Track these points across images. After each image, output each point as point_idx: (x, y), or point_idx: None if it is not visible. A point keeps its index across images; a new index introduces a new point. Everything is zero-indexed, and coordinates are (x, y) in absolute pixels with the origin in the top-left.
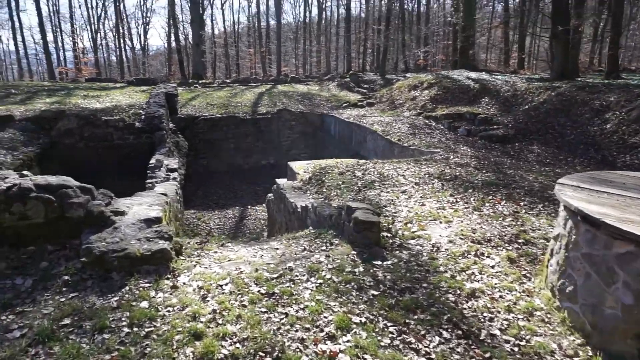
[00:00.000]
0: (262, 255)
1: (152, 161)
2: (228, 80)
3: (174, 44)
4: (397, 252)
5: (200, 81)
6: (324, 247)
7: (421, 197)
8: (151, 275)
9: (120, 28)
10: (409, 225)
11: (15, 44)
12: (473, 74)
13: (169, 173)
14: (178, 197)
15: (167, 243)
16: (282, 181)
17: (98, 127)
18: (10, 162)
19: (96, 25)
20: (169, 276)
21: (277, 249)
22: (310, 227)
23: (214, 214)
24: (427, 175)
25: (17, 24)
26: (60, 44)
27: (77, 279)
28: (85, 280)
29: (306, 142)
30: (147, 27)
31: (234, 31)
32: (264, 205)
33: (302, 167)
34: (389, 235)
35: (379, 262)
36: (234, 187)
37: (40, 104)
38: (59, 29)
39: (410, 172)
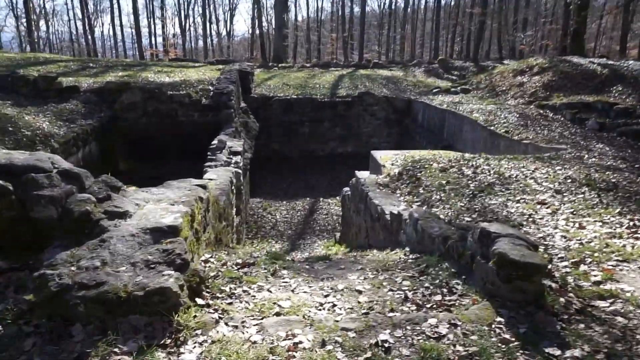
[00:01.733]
0: (335, 306)
1: (214, 142)
2: (308, 64)
3: (257, 30)
4: (582, 325)
5: (279, 64)
6: (439, 297)
7: (572, 212)
8: (136, 338)
9: (207, 13)
10: (582, 267)
11: (113, 28)
12: (595, 59)
13: (231, 156)
14: (233, 187)
15: (175, 276)
16: (363, 174)
17: (162, 102)
18: (62, 135)
19: (185, 11)
20: (168, 342)
21: (360, 291)
22: (407, 249)
23: (281, 204)
24: (568, 180)
25: (116, 10)
26: (152, 29)
27: (11, 334)
28: (23, 338)
29: (389, 130)
30: (232, 12)
31: (316, 17)
32: (337, 198)
33: (388, 158)
34: (553, 284)
35: (557, 352)
36: (306, 176)
37: (111, 77)
38: (152, 15)
39: (542, 173)
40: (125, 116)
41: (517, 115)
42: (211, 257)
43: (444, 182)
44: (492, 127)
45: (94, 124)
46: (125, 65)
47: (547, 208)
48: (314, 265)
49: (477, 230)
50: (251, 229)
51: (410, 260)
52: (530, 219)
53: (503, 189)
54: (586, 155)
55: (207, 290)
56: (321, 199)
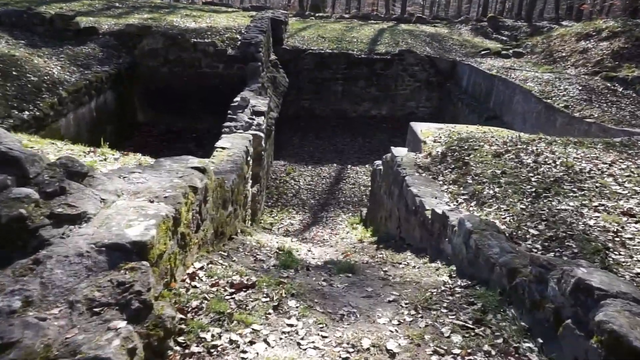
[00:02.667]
0: None
1: (237, 99)
2: (347, 15)
3: None
4: None
5: (317, 14)
6: None
7: None
8: None
9: None
10: None
11: None
12: None
13: (253, 117)
14: (249, 158)
15: (123, 334)
16: (400, 151)
17: (185, 50)
18: (73, 83)
19: None
20: None
21: (394, 354)
22: (453, 267)
23: (306, 169)
24: None
25: None
26: None
27: None
28: None
29: (429, 93)
30: None
31: None
32: (367, 166)
33: (430, 134)
34: None
35: None
36: (336, 139)
37: (135, 19)
38: None
39: (622, 169)
40: (145, 63)
41: (580, 88)
42: (202, 267)
43: (498, 171)
44: (548, 100)
45: (111, 71)
46: (153, 7)
47: (636, 223)
48: (333, 281)
49: (568, 279)
50: (272, 195)
51: (458, 291)
52: (617, 239)
53: (574, 189)
54: None
55: (180, 340)
56: (349, 166)
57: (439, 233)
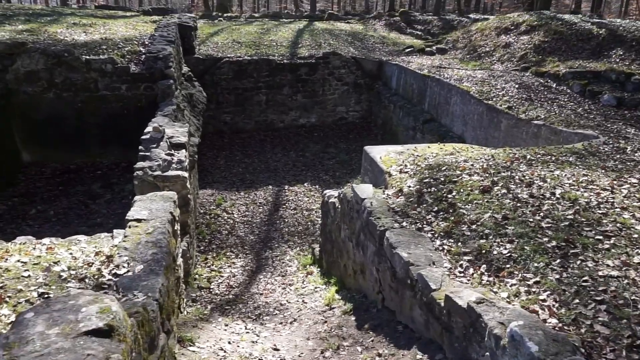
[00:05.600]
0: None
1: (148, 129)
2: (256, 14)
3: None
4: None
5: (225, 14)
6: None
7: None
8: None
9: None
10: None
11: None
12: (587, 18)
13: (172, 152)
14: (175, 226)
15: None
16: (365, 191)
17: (76, 71)
18: None
19: None
20: None
21: None
22: None
23: (238, 196)
24: None
25: None
26: None
27: None
28: None
29: (358, 96)
30: None
31: None
32: (305, 185)
33: (393, 161)
34: None
35: None
36: (265, 154)
37: (5, 32)
38: None
39: (625, 195)
40: (23, 89)
41: (517, 86)
42: None
43: (497, 216)
44: (489, 101)
45: None
46: (31, 15)
47: None
48: None
49: None
50: (203, 236)
51: None
52: None
53: (599, 236)
54: (629, 148)
55: None
56: (286, 187)
57: (464, 334)
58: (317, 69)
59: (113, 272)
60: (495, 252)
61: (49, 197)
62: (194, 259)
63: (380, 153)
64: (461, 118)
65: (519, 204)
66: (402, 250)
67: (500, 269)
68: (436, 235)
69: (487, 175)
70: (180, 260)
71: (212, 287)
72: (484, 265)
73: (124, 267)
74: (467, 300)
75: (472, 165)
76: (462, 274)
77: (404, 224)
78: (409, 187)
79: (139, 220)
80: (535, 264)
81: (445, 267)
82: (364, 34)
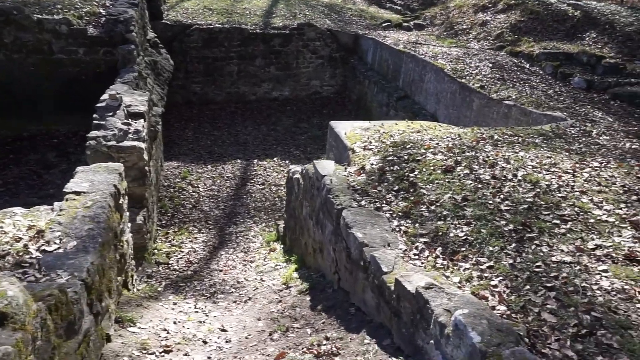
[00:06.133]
0: None
1: (104, 97)
2: None
3: None
4: None
5: None
6: None
7: None
8: None
9: None
10: None
11: None
12: None
13: (129, 121)
14: (121, 200)
15: None
16: (326, 167)
17: (26, 30)
18: None
19: None
20: None
21: None
22: None
23: (205, 170)
24: (632, 196)
25: None
26: None
27: None
28: None
29: (333, 70)
30: None
31: None
32: (275, 159)
33: (357, 137)
34: None
35: None
36: (236, 128)
37: None
38: None
39: (586, 179)
40: None
41: (491, 65)
42: None
43: (457, 197)
44: (463, 80)
45: None
46: None
47: None
48: None
49: None
50: (166, 210)
51: None
52: None
53: (556, 221)
54: (594, 131)
55: None
56: (255, 161)
57: (412, 320)
58: (292, 40)
59: (42, 248)
60: (451, 235)
61: None
62: (152, 233)
63: (346, 129)
64: (435, 96)
65: (480, 185)
66: (358, 230)
67: (455, 252)
68: (394, 215)
69: (451, 154)
70: (128, 236)
71: (170, 262)
72: (440, 248)
73: (54, 243)
74: (416, 285)
75: (437, 144)
76: (416, 257)
77: (363, 202)
78: (372, 164)
79: (77, 193)
80: (491, 248)
81: (400, 249)
82: (342, 6)
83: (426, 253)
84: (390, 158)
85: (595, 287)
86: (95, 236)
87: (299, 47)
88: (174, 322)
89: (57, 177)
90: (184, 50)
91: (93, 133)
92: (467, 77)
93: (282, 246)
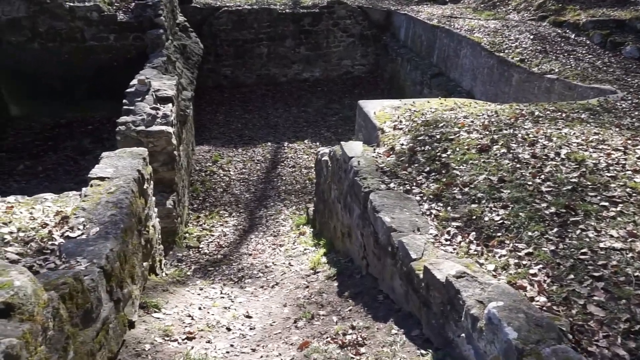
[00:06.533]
0: None
1: (134, 82)
2: None
3: None
4: None
5: None
6: None
7: None
8: None
9: None
10: None
11: None
12: None
13: (157, 105)
14: (145, 185)
15: None
16: (353, 149)
17: (59, 19)
18: None
19: None
20: None
21: None
22: None
23: (236, 153)
24: None
25: None
26: None
27: None
28: None
29: (364, 49)
30: None
31: None
32: (305, 142)
33: (387, 117)
34: None
35: None
36: (266, 109)
37: None
38: None
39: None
40: (6, 40)
41: (532, 37)
42: None
43: (493, 178)
44: (501, 53)
45: None
46: None
47: None
48: None
49: None
50: (197, 194)
51: None
52: None
53: (604, 202)
54: None
55: None
56: (286, 143)
57: (442, 310)
58: (322, 19)
59: (65, 234)
60: (486, 219)
61: (38, 153)
62: (183, 217)
63: (375, 108)
64: (471, 72)
65: (518, 165)
66: (386, 214)
67: (491, 238)
68: (425, 198)
69: (487, 132)
70: (155, 221)
71: (201, 246)
72: (473, 233)
73: (78, 229)
74: (446, 273)
75: (472, 121)
76: (448, 242)
77: (392, 185)
78: (402, 145)
79: (102, 179)
80: (530, 233)
81: (431, 233)
82: None
83: (458, 238)
84: (421, 138)
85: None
86: (117, 222)
87: (329, 26)
88: (199, 308)
89: (92, 163)
90: (213, 34)
91: (123, 118)
92: (506, 51)
93: (311, 230)
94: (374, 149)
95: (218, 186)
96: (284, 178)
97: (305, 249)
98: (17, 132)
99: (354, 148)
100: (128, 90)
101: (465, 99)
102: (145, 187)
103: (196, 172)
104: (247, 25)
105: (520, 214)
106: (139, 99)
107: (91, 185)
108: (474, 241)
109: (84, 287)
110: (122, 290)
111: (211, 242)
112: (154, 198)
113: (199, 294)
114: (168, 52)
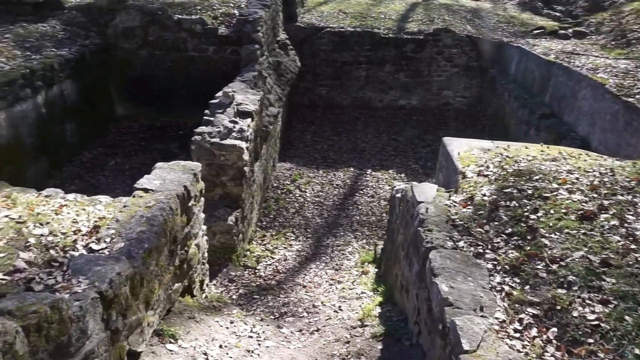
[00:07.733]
0: None
1: (219, 94)
2: None
3: None
4: None
5: None
6: None
7: None
8: None
9: None
10: None
11: None
12: None
13: (236, 119)
14: (191, 202)
15: None
16: (425, 192)
17: (167, 29)
18: (5, 72)
19: None
20: None
21: None
22: None
23: (316, 174)
24: None
25: None
26: None
27: None
28: None
29: (468, 81)
30: None
31: None
32: (390, 172)
33: (473, 159)
34: None
35: None
36: (356, 134)
37: None
38: None
39: None
40: (120, 46)
41: None
42: None
43: (594, 258)
44: (630, 98)
45: (69, 56)
46: None
47: None
48: None
49: None
50: (269, 211)
51: None
52: None
53: None
54: None
55: None
56: (369, 171)
57: None
58: (425, 46)
59: (89, 245)
60: (576, 314)
61: (130, 151)
62: (246, 235)
63: (461, 148)
64: (589, 116)
65: (633, 246)
66: (444, 280)
67: (577, 342)
68: (499, 267)
69: (595, 195)
70: (200, 240)
71: (258, 267)
72: (554, 330)
73: (105, 241)
74: None
75: (577, 178)
76: (517, 334)
77: (461, 243)
78: (483, 195)
79: (146, 190)
80: (637, 351)
81: (497, 317)
82: (489, 12)
83: (533, 332)
84: (508, 190)
85: None
86: (142, 240)
87: (433, 53)
88: (220, 346)
89: None
90: (313, 53)
91: (200, 128)
92: (637, 96)
93: (375, 270)
94: (450, 196)
95: (291, 206)
96: (360, 207)
97: (362, 292)
98: (118, 130)
99: (426, 191)
100: (212, 101)
101: (574, 149)
102: (190, 204)
103: (272, 189)
104: (348, 47)
105: (627, 317)
106: (220, 110)
107: (134, 196)
108: (554, 341)
109: (61, 317)
110: (125, 319)
111: (269, 264)
112: (202, 215)
113: (227, 327)
114: (261, 67)
